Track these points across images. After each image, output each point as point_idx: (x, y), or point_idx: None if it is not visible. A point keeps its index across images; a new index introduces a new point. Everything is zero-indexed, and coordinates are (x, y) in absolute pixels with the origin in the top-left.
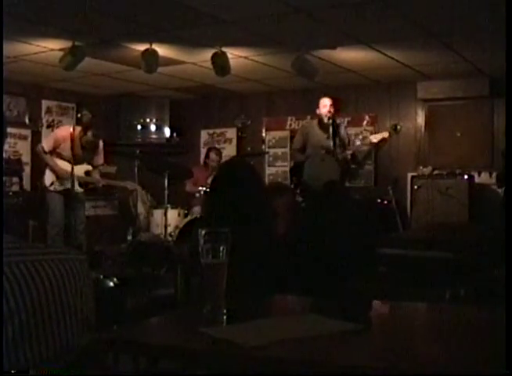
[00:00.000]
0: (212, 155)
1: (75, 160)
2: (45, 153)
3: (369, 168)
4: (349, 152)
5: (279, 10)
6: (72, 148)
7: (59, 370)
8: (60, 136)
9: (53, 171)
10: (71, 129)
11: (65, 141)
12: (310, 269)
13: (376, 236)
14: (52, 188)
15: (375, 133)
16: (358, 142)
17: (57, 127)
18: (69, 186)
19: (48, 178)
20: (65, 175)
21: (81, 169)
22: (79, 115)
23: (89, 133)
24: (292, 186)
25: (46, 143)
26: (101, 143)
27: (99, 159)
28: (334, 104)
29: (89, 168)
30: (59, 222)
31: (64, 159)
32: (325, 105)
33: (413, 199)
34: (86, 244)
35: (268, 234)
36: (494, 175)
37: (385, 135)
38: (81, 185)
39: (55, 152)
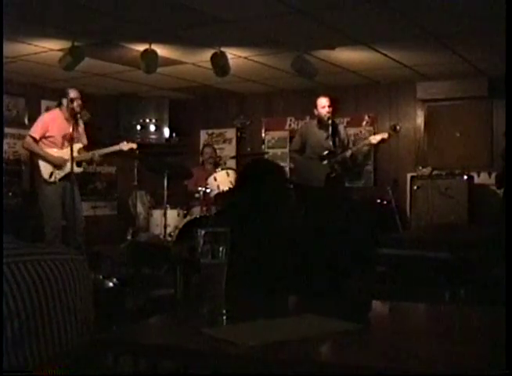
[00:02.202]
0: (207, 150)
1: (67, 142)
2: (36, 141)
3: (369, 168)
4: (349, 152)
5: (279, 10)
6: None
7: (59, 370)
8: (48, 119)
9: (47, 160)
10: (57, 111)
11: (54, 122)
12: (309, 269)
13: (375, 236)
14: (52, 179)
15: (374, 134)
16: (358, 144)
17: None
18: (69, 170)
19: (46, 169)
20: (62, 161)
21: (74, 149)
22: (78, 115)
23: (83, 113)
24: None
25: (35, 130)
26: (82, 124)
27: (84, 139)
28: (332, 103)
29: (81, 145)
30: (57, 223)
31: (55, 146)
32: (323, 105)
33: (413, 199)
34: (85, 245)
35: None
36: (493, 175)
37: (384, 135)
38: (78, 164)
39: (45, 139)
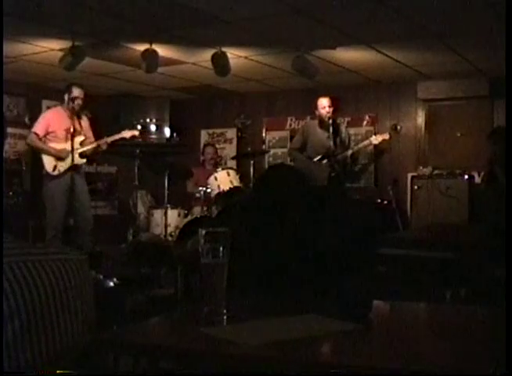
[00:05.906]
0: (208, 149)
1: (71, 136)
2: (40, 138)
3: (369, 168)
4: (349, 152)
5: (279, 10)
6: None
7: (59, 370)
8: (50, 115)
9: (51, 154)
10: (59, 107)
11: (55, 118)
12: (310, 268)
13: (376, 236)
14: (56, 172)
15: (375, 133)
16: (359, 144)
17: None
18: (74, 162)
19: (49, 163)
20: (65, 153)
21: (76, 142)
22: (79, 112)
23: (84, 112)
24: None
25: (37, 127)
26: (86, 119)
27: (90, 134)
28: (333, 103)
29: (83, 138)
30: (58, 222)
31: (58, 140)
32: (323, 106)
33: (413, 199)
34: (91, 245)
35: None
36: None
37: (386, 136)
38: (82, 156)
39: (47, 134)
